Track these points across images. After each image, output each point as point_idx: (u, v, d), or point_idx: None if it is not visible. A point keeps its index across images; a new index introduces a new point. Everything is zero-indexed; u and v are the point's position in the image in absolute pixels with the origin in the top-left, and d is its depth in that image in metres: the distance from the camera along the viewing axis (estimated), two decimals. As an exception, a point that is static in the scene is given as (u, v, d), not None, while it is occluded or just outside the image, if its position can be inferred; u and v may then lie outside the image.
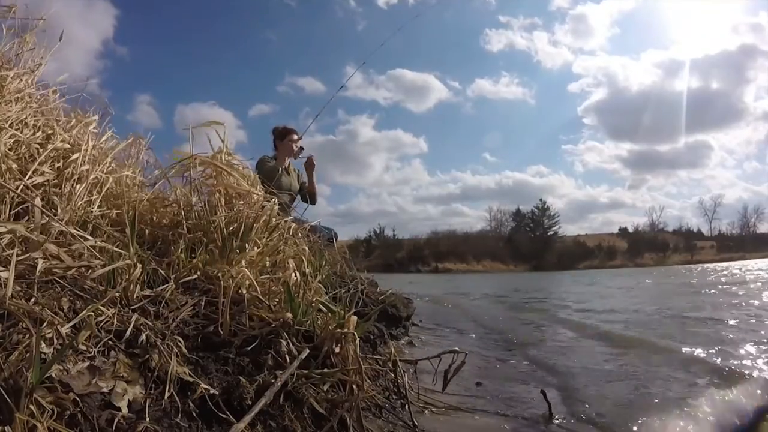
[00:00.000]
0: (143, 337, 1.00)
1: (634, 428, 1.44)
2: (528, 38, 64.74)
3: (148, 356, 0.97)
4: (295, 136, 3.49)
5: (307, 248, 1.86)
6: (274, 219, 1.78)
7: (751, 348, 2.59)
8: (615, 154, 69.16)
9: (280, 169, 3.29)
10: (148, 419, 0.87)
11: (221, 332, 1.17)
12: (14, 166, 1.33)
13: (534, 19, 72.17)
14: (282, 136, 3.48)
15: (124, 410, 0.86)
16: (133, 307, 1.11)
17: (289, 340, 1.23)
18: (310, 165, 3.50)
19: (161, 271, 1.34)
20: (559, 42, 67.21)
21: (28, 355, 0.79)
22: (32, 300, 0.94)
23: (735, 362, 2.24)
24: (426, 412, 1.47)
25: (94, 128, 1.77)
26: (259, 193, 1.84)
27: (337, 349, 1.26)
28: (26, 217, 1.17)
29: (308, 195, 3.52)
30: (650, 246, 44.25)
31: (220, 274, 1.35)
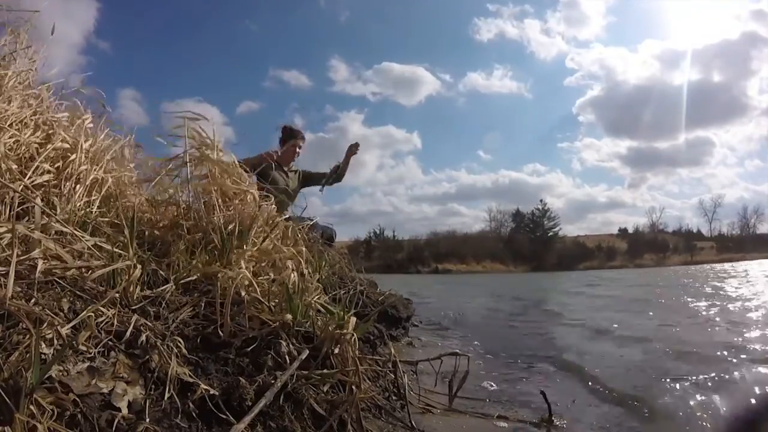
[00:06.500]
0: (143, 337, 1.00)
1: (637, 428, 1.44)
2: (519, 27, 61.46)
3: (148, 357, 0.97)
4: (301, 143, 3.49)
5: (305, 249, 1.86)
6: (272, 219, 1.78)
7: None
8: (613, 151, 67.59)
9: (272, 165, 3.22)
10: (148, 420, 0.87)
11: (221, 333, 1.18)
12: (14, 166, 1.33)
13: (524, 6, 68.93)
14: (286, 138, 3.47)
15: (124, 411, 0.86)
16: (133, 308, 1.11)
17: (288, 341, 1.23)
18: (351, 151, 3.50)
19: (161, 271, 1.34)
20: (552, 30, 64.62)
21: (28, 355, 0.79)
22: (32, 300, 0.94)
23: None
24: (426, 413, 1.47)
25: (89, 125, 1.77)
26: (255, 192, 1.85)
27: (336, 350, 1.26)
28: (26, 218, 1.17)
29: (335, 175, 3.52)
30: (650, 247, 44.23)
31: (219, 275, 1.35)
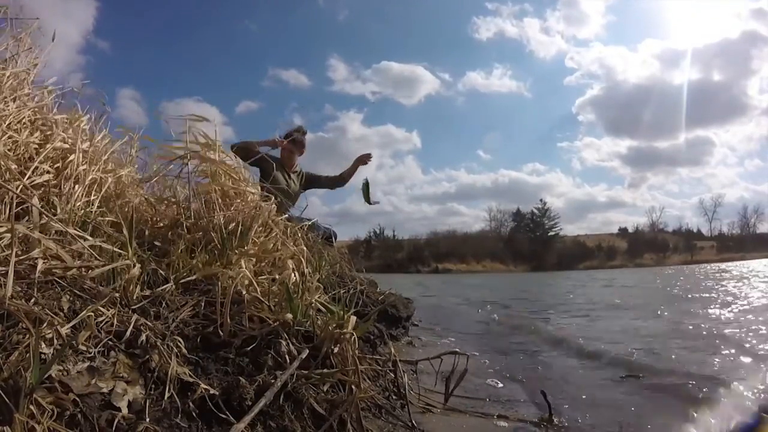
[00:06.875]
0: (143, 337, 1.00)
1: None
2: (518, 25, 61.04)
3: (148, 357, 0.97)
4: (292, 146, 3.45)
5: (305, 248, 1.85)
6: (272, 218, 1.78)
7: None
8: (613, 150, 66.72)
9: (274, 165, 3.19)
10: (148, 419, 0.87)
11: (221, 333, 1.17)
12: (13, 166, 1.33)
13: (523, 5, 68.77)
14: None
15: (124, 410, 0.86)
16: (133, 308, 1.11)
17: (288, 341, 1.23)
18: (361, 160, 3.53)
19: (161, 271, 1.34)
20: (551, 29, 63.91)
21: (27, 355, 0.79)
22: (32, 300, 0.94)
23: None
24: (426, 412, 1.47)
25: (88, 127, 1.77)
26: (255, 191, 1.85)
27: (336, 350, 1.26)
28: (26, 218, 1.17)
29: (339, 179, 3.57)
30: (650, 246, 44.23)
31: (219, 275, 1.35)
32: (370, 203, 3.31)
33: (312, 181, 3.58)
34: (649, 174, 73.34)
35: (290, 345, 1.22)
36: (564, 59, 66.42)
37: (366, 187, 3.27)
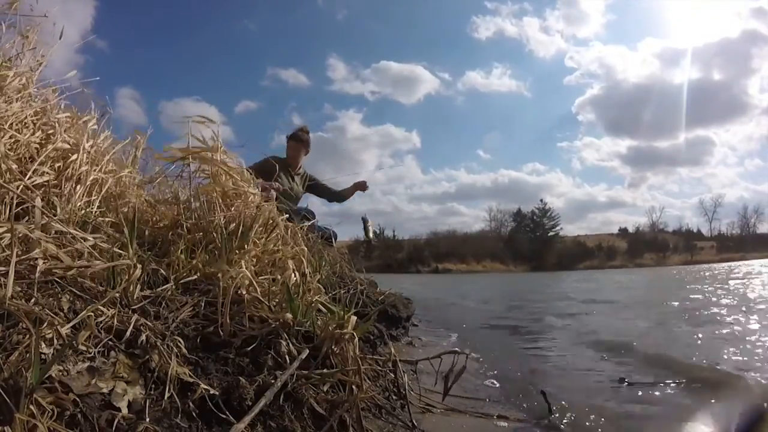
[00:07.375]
0: (143, 337, 1.00)
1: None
2: (518, 25, 61.98)
3: (148, 357, 0.97)
4: (294, 142, 3.50)
5: (306, 248, 1.85)
6: (272, 219, 1.78)
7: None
8: (613, 150, 66.17)
9: (277, 166, 3.20)
10: (148, 420, 0.87)
11: (221, 333, 1.17)
12: (14, 166, 1.33)
13: (523, 4, 69.92)
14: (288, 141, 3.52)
15: (124, 411, 0.86)
16: (133, 308, 1.11)
17: (288, 341, 1.23)
18: (359, 186, 3.68)
19: (161, 271, 1.34)
20: (551, 28, 64.88)
21: (27, 355, 0.79)
22: (32, 300, 0.94)
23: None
24: (426, 412, 1.47)
25: (93, 126, 1.77)
26: (256, 192, 1.85)
27: (336, 350, 1.26)
28: (26, 218, 1.17)
29: (338, 195, 3.69)
30: (650, 246, 44.28)
31: (219, 275, 1.35)
32: (370, 237, 3.87)
33: (313, 187, 3.59)
34: (649, 174, 73.55)
35: (290, 345, 1.22)
36: (564, 59, 66.60)
37: (364, 224, 3.71)
